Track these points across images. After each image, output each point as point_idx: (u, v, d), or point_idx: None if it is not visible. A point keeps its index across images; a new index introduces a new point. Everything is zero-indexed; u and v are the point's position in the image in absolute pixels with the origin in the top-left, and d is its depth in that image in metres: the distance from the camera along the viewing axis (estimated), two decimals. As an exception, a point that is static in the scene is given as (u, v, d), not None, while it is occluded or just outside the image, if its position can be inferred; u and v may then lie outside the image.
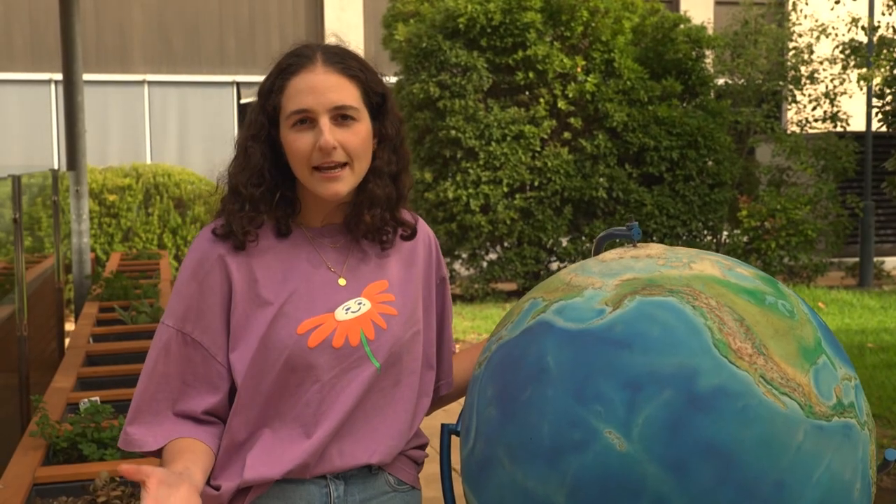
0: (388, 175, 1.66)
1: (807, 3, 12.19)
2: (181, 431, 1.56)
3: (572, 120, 10.41)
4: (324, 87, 1.57)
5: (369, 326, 1.62)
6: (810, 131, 12.36)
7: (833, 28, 11.98)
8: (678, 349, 1.32)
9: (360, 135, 1.60)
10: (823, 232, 11.46)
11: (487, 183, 10.16)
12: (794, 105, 12.42)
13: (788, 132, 12.22)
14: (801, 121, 12.35)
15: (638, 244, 1.53)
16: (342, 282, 1.64)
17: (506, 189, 10.21)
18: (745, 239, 11.15)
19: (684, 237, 10.81)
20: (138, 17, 15.50)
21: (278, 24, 15.96)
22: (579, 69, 10.44)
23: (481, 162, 10.13)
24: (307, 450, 1.57)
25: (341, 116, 1.58)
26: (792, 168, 11.90)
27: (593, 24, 10.53)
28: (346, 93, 1.58)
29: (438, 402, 1.85)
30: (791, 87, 12.20)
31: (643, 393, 1.30)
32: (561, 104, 10.35)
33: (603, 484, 1.30)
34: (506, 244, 10.59)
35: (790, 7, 12.57)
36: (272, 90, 1.59)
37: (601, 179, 10.40)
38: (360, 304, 1.63)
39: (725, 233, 11.41)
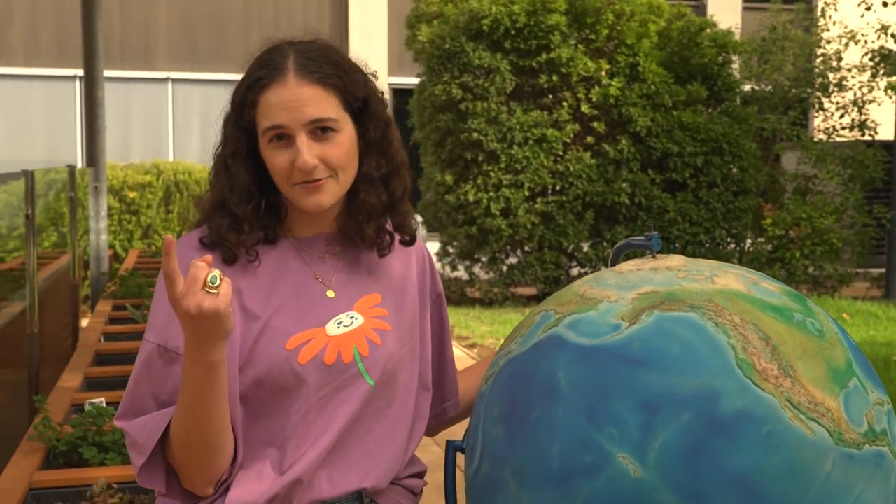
0: (378, 180, 1.56)
1: (836, 10, 12.03)
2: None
3: (595, 124, 10.30)
4: (298, 102, 1.46)
5: (363, 342, 1.53)
6: (837, 139, 12.20)
7: (862, 35, 11.81)
8: (699, 369, 1.23)
9: (342, 146, 1.49)
10: (849, 242, 11.29)
11: (508, 186, 10.07)
12: (821, 112, 12.26)
13: (815, 140, 12.06)
14: (828, 128, 12.18)
15: (657, 255, 1.45)
16: (331, 294, 1.55)
17: (527, 193, 10.11)
18: (769, 248, 11.00)
19: (707, 244, 10.67)
20: (163, 14, 15.51)
21: (303, 24, 15.90)
22: (603, 73, 10.33)
23: (503, 165, 10.04)
24: (295, 471, 1.47)
25: (320, 129, 1.47)
26: (818, 176, 11.74)
27: (618, 28, 10.42)
28: (324, 104, 1.47)
29: (446, 423, 1.77)
30: (818, 94, 12.03)
31: (660, 415, 1.22)
32: (584, 108, 10.24)
33: (615, 512, 1.22)
34: (526, 248, 10.49)
35: (819, 13, 12.41)
36: (244, 104, 1.50)
37: (623, 185, 10.29)
38: (352, 318, 1.54)
39: (749, 241, 11.27)
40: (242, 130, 1.51)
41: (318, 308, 1.53)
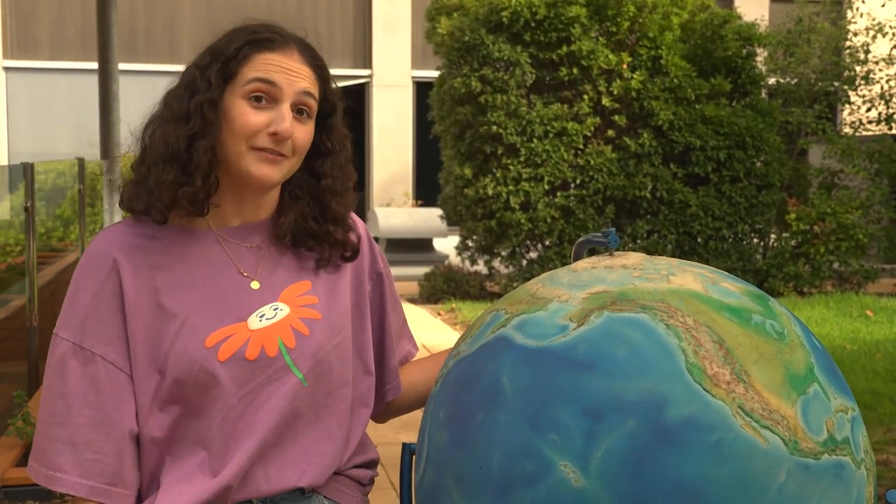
0: (341, 193, 1.55)
1: (863, 2, 11.82)
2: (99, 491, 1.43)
3: (616, 118, 10.20)
4: (296, 73, 1.46)
5: (288, 333, 1.47)
6: (864, 133, 12.00)
7: (890, 27, 11.61)
8: (646, 373, 1.17)
9: (309, 133, 1.49)
10: (876, 237, 11.11)
11: (528, 180, 9.99)
12: (847, 106, 12.06)
13: (841, 134, 11.87)
14: (854, 122, 11.99)
15: (615, 253, 1.38)
16: (255, 285, 1.50)
17: (547, 187, 10.02)
18: (793, 243, 10.85)
19: (730, 239, 10.55)
20: (187, 8, 15.54)
21: (326, 18, 15.91)
22: (625, 66, 10.22)
23: (522, 159, 9.96)
24: (226, 475, 1.42)
25: (298, 110, 1.47)
26: (844, 171, 11.56)
27: (640, 20, 10.30)
28: (314, 87, 1.49)
29: (389, 409, 1.71)
30: (845, 87, 11.84)
31: (604, 422, 1.15)
32: (605, 101, 10.14)
33: (556, 523, 1.16)
34: (546, 243, 10.41)
35: (846, 5, 12.21)
36: (235, 57, 1.45)
37: (645, 179, 10.18)
38: (276, 309, 1.48)
39: (773, 236, 11.12)
40: (223, 79, 1.45)
41: (240, 302, 1.48)
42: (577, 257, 1.47)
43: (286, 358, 1.46)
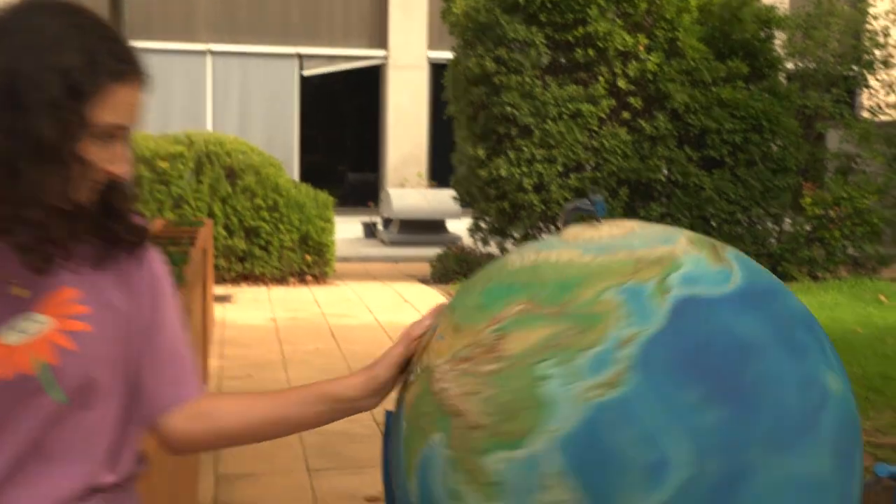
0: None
1: (884, -15, 11.71)
2: None
3: (632, 100, 10.14)
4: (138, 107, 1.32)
5: (49, 350, 1.26)
6: (883, 118, 11.90)
7: (911, 11, 11.50)
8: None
9: None
10: (891, 222, 11.03)
11: (542, 161, 9.95)
12: (865, 90, 11.96)
13: (860, 118, 11.78)
14: (872, 107, 11.89)
15: (603, 221, 1.36)
16: (19, 292, 1.29)
17: (560, 168, 9.98)
18: (808, 227, 10.78)
19: (744, 223, 10.49)
20: (203, -15, 15.53)
21: (342, -4, 15.86)
22: (641, 47, 10.15)
23: (536, 140, 9.92)
24: None
25: None
26: (861, 156, 11.47)
27: (658, 2, 10.22)
28: None
29: (177, 444, 1.42)
30: (864, 71, 11.74)
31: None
32: (621, 83, 10.08)
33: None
34: (559, 224, 10.36)
35: (867, -12, 12.10)
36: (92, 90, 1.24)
37: (659, 161, 10.12)
38: (36, 322, 1.28)
39: (788, 220, 11.05)
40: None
41: None
42: (567, 222, 1.44)
43: (46, 376, 1.26)
